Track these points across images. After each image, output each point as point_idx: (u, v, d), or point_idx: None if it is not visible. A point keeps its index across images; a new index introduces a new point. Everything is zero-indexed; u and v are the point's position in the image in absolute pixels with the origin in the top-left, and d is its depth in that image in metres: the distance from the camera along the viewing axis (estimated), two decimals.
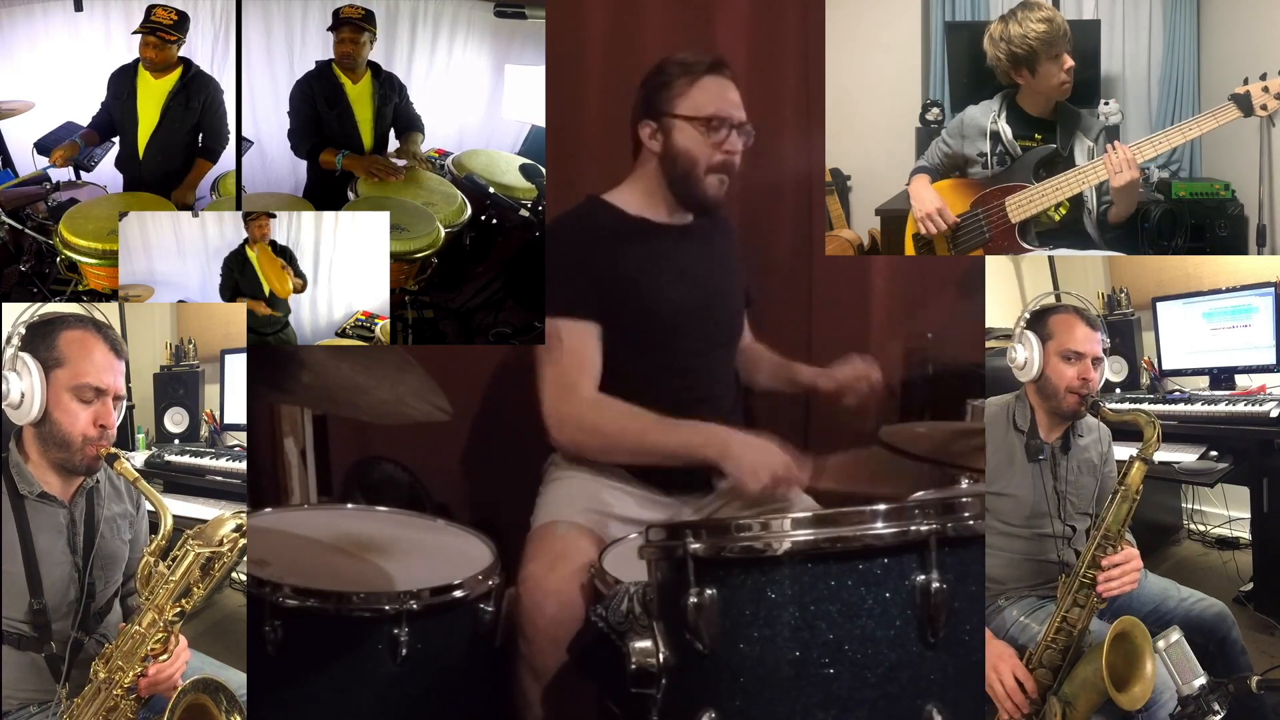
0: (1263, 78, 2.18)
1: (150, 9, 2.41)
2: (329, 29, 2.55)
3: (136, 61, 2.46)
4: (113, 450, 1.65)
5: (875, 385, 2.22)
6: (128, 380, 1.74)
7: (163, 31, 2.38)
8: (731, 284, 2.25)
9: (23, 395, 1.61)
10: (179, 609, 1.57)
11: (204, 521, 1.62)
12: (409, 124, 2.68)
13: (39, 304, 1.72)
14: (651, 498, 2.08)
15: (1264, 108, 2.17)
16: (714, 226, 2.22)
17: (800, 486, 1.95)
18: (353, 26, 2.55)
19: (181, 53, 2.48)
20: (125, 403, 1.71)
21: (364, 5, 2.56)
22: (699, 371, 2.15)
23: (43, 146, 2.51)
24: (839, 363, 2.24)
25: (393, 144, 2.68)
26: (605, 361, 2.05)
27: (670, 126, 2.07)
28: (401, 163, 2.61)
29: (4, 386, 1.61)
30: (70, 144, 2.46)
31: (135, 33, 2.41)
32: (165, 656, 1.59)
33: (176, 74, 2.45)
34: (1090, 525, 1.99)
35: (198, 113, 2.46)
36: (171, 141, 2.46)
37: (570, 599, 1.81)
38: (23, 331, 1.65)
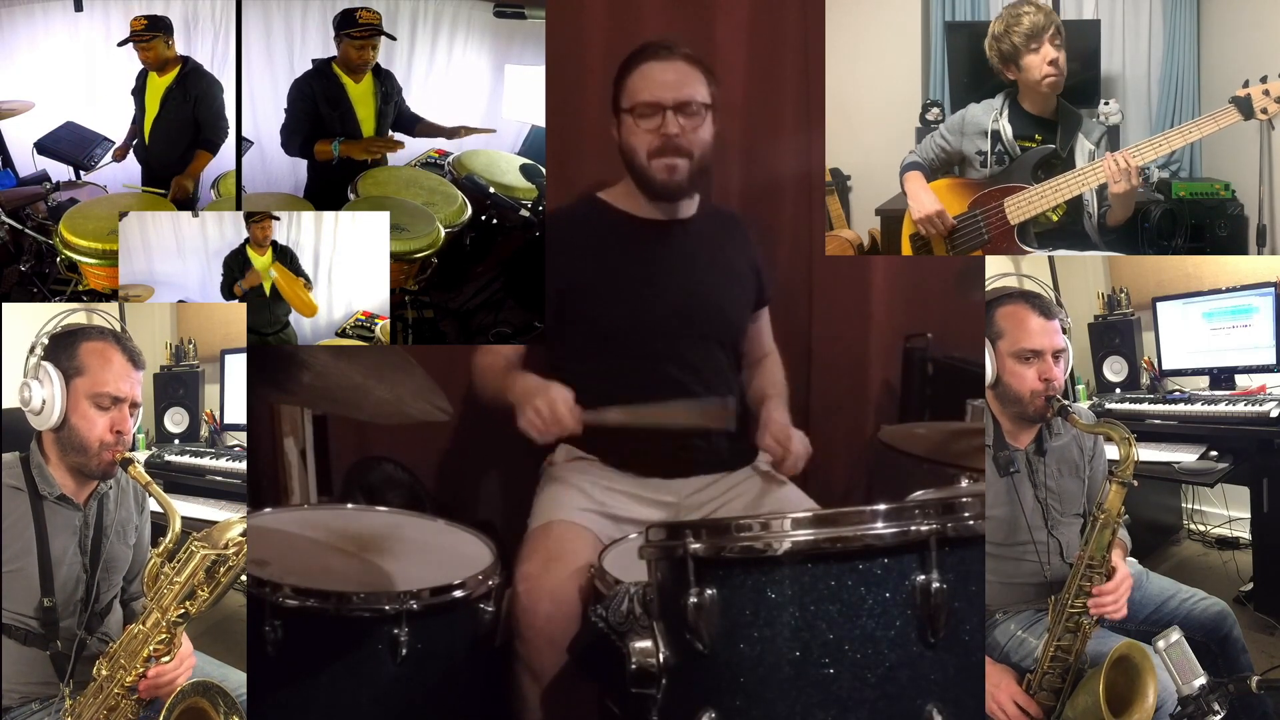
0: (1263, 80, 2.16)
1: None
2: (346, 31, 2.52)
3: None
4: (127, 455, 1.71)
5: (791, 462, 2.07)
6: None
7: (138, 37, 2.50)
8: (722, 279, 2.19)
9: (44, 402, 1.69)
10: (182, 610, 1.59)
11: (204, 521, 1.66)
12: (404, 127, 2.68)
13: (60, 314, 1.80)
14: (639, 493, 2.08)
15: (1264, 111, 2.16)
16: (709, 222, 2.21)
17: (566, 430, 1.90)
18: (380, 33, 2.55)
19: (181, 51, 2.57)
20: (141, 410, 1.78)
21: (367, 6, 2.56)
22: (678, 366, 2.11)
23: (43, 146, 2.52)
24: (784, 429, 2.10)
25: None
26: (579, 360, 2.08)
27: (620, 121, 2.11)
28: (398, 138, 2.64)
29: (26, 393, 1.70)
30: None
31: (119, 45, 2.52)
32: (168, 659, 1.61)
33: (176, 71, 2.55)
34: (1082, 526, 1.88)
35: (193, 105, 2.54)
36: (171, 130, 2.54)
37: (565, 597, 1.81)
38: (45, 342, 1.74)
